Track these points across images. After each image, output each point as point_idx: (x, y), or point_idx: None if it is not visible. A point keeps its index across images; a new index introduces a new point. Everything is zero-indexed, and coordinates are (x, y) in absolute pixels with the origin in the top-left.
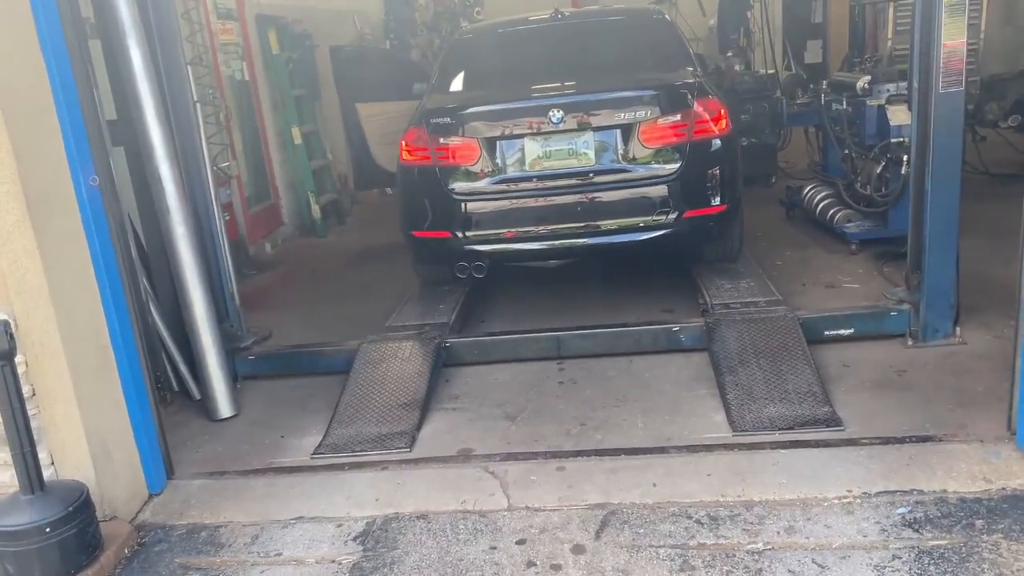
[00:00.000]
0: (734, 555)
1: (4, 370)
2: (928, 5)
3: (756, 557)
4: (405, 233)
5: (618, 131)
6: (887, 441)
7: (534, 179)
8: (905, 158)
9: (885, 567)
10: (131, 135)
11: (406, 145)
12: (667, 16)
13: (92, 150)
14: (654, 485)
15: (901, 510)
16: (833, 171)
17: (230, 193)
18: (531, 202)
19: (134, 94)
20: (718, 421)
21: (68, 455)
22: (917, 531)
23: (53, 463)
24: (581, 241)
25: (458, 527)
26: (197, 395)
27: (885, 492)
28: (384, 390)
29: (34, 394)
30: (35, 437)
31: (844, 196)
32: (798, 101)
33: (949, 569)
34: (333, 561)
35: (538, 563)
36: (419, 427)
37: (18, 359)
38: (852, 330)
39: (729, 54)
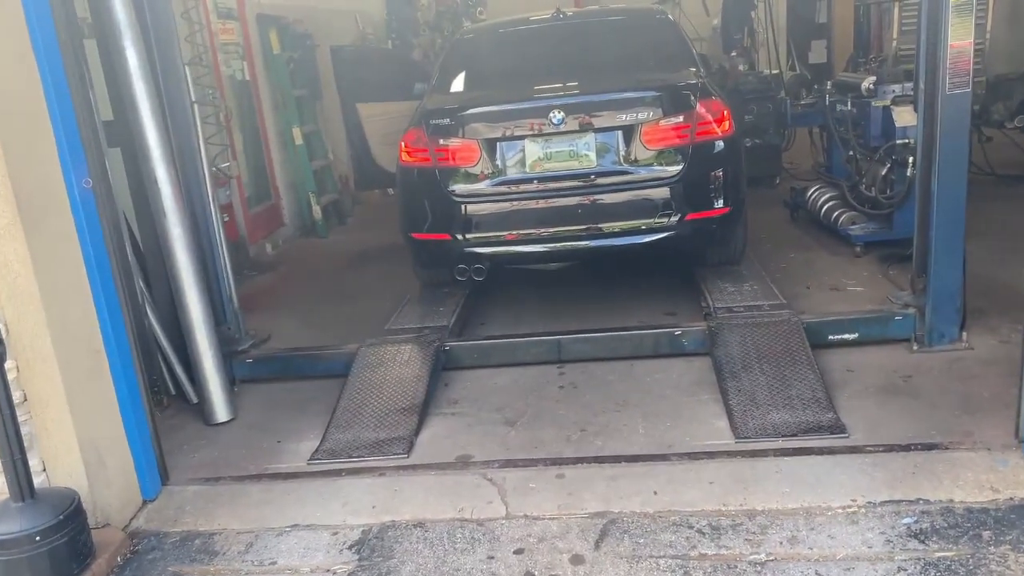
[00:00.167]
0: (736, 566)
1: None
2: (935, 5)
3: (758, 568)
4: (404, 235)
5: (620, 132)
6: (892, 449)
7: (535, 181)
8: (911, 160)
9: None
10: (127, 136)
11: (405, 146)
12: (670, 16)
13: (86, 152)
14: (655, 493)
15: (906, 520)
16: (838, 172)
17: (230, 194)
18: (532, 204)
19: (130, 95)
20: (720, 427)
21: (60, 461)
22: (923, 542)
23: (45, 470)
24: (582, 244)
25: (455, 536)
26: (194, 399)
27: (890, 501)
28: (382, 394)
29: (25, 400)
30: (27, 443)
31: (849, 198)
32: (802, 102)
33: None
34: (328, 571)
35: (536, 573)
36: (417, 432)
37: (8, 364)
38: (856, 334)
39: (733, 54)
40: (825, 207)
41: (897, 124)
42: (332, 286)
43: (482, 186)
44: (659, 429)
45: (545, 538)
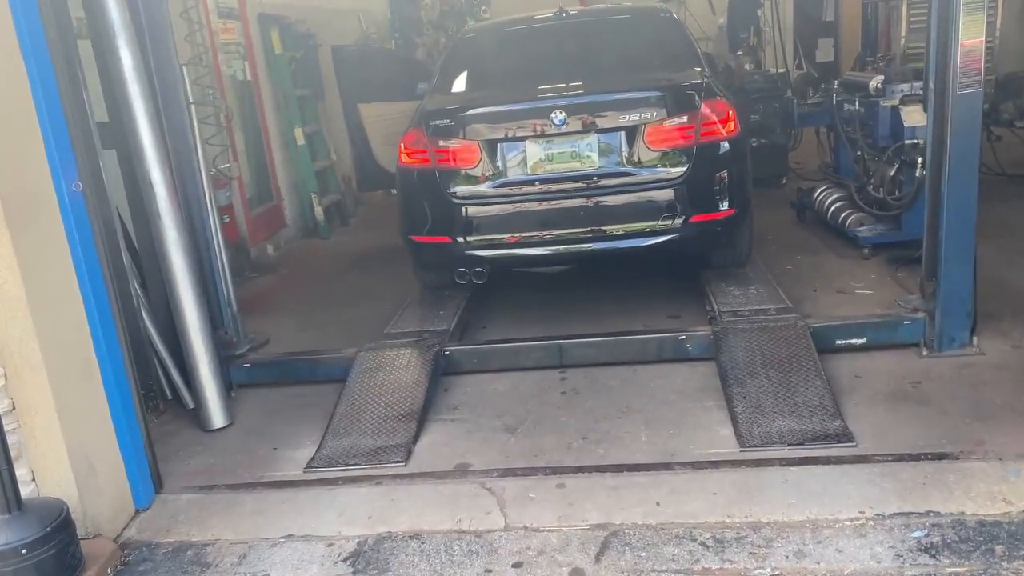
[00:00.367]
0: None
1: None
2: (945, 3)
3: None
4: (404, 237)
5: (623, 133)
6: (901, 458)
7: (536, 183)
8: (920, 160)
9: None
10: (122, 138)
11: (405, 147)
12: (675, 15)
13: (76, 155)
14: (657, 504)
15: (916, 534)
16: (845, 173)
17: (230, 195)
18: (533, 206)
19: (124, 96)
20: (725, 435)
21: (49, 471)
22: (934, 557)
23: (35, 479)
24: (585, 246)
25: (452, 548)
26: (191, 404)
27: (900, 514)
28: (381, 400)
29: (13, 408)
30: (15, 453)
31: (856, 199)
32: (809, 101)
33: None
34: None
35: None
36: (415, 439)
37: None
38: (864, 339)
39: (739, 53)
40: (832, 208)
41: (906, 124)
42: (333, 288)
43: (483, 188)
44: (662, 437)
45: (544, 551)
